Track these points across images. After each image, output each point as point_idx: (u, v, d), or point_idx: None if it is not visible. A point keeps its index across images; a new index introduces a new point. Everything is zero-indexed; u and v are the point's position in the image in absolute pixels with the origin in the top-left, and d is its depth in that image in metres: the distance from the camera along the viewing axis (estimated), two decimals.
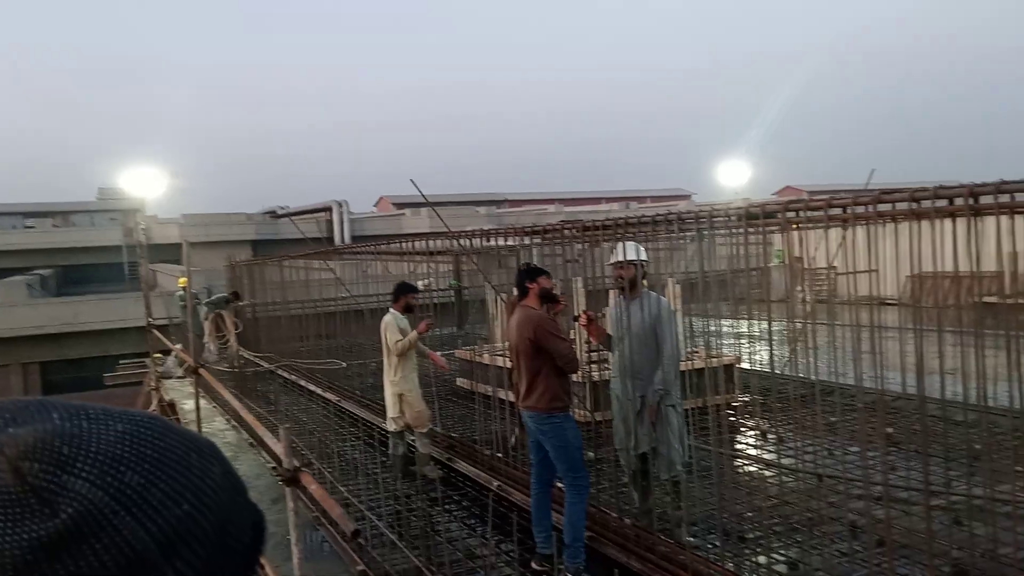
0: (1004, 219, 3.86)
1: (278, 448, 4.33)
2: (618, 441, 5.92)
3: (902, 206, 3.90)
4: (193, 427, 9.11)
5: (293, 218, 31.32)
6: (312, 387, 12.87)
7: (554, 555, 5.43)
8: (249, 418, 5.86)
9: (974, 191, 3.46)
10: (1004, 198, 3.45)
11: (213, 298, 16.33)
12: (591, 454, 7.16)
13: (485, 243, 8.90)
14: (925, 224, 3.96)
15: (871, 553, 5.09)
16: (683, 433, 5.67)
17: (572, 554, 5.28)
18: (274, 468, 4.98)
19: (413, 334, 7.84)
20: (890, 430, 7.54)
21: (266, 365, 13.75)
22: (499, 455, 7.55)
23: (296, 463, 4.44)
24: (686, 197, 48.78)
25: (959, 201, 3.59)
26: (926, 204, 3.79)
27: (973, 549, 5.00)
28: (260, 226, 31.00)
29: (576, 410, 7.96)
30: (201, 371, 8.06)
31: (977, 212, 3.61)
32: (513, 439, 7.53)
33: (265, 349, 15.41)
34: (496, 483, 6.89)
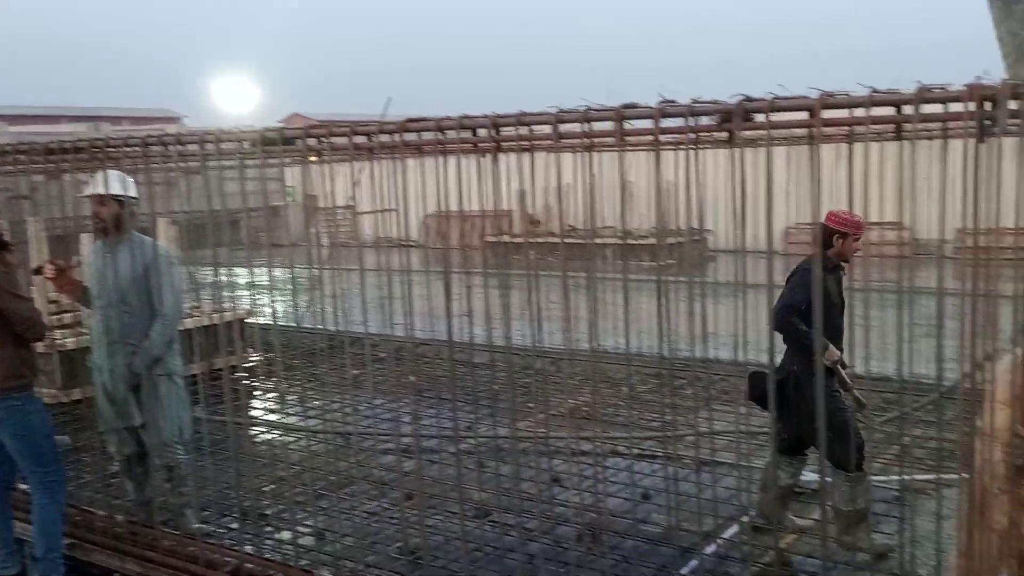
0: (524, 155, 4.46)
1: None
2: (104, 423, 5.59)
3: (428, 136, 4.25)
4: None
5: None
6: None
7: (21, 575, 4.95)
8: None
9: (497, 122, 3.92)
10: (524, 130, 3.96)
11: None
12: (66, 441, 6.60)
13: None
14: (451, 158, 4.39)
15: (401, 508, 5.60)
16: (181, 406, 5.57)
17: (47, 569, 4.93)
18: None
19: None
20: (413, 378, 8.32)
21: None
22: None
23: None
24: (175, 120, 46.73)
25: (483, 132, 4.04)
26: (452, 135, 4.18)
27: (498, 488, 5.82)
28: None
29: (43, 389, 7.28)
30: None
31: (499, 146, 4.10)
32: None
33: None
34: None
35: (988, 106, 2.80)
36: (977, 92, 2.77)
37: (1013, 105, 2.76)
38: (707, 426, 6.64)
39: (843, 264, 5.20)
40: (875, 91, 2.90)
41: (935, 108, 2.96)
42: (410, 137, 4.30)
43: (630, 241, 17.13)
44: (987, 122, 2.82)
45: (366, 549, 5.35)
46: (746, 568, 4.99)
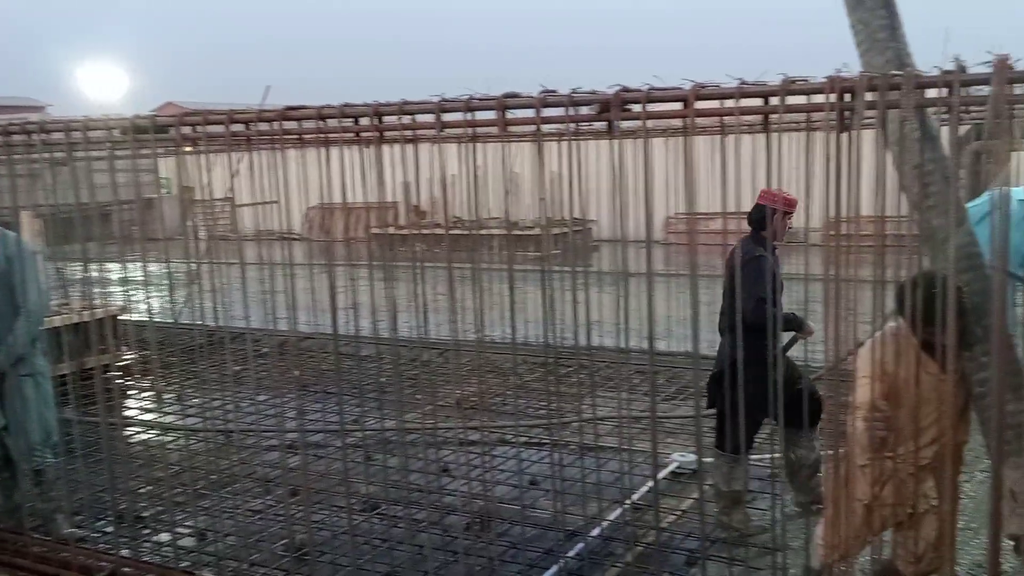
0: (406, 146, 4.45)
1: None
2: None
3: (309, 124, 4.19)
4: None
5: None
6: None
7: None
8: None
9: (379, 110, 3.90)
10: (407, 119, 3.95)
11: None
12: None
13: None
14: (333, 148, 4.33)
15: (286, 504, 5.52)
16: (48, 408, 5.36)
17: None
18: None
19: None
20: (298, 373, 8.19)
21: None
22: None
23: None
24: (39, 108, 44.42)
25: (365, 121, 4.01)
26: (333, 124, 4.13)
27: (386, 480, 5.81)
28: None
29: None
30: None
31: (382, 135, 4.07)
32: None
33: None
34: None
35: (848, 98, 2.96)
36: (837, 84, 2.92)
37: (870, 96, 2.92)
38: (591, 412, 6.79)
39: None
40: (744, 83, 3.02)
41: (802, 100, 3.11)
42: (290, 126, 4.23)
43: (515, 232, 17.27)
44: (847, 113, 2.98)
45: (250, 548, 5.25)
46: (630, 549, 5.12)
